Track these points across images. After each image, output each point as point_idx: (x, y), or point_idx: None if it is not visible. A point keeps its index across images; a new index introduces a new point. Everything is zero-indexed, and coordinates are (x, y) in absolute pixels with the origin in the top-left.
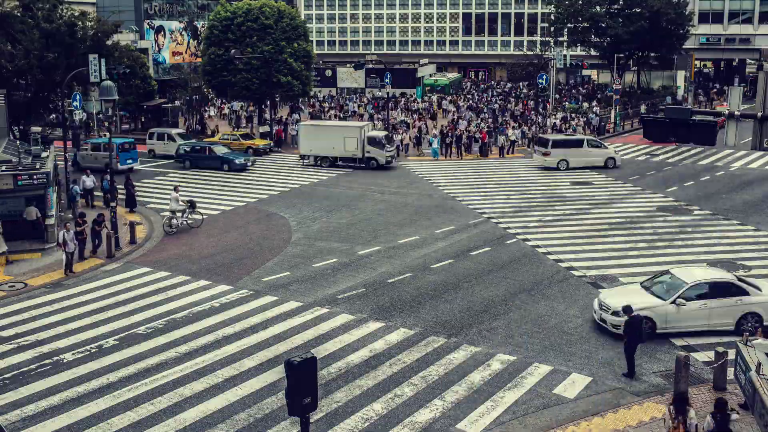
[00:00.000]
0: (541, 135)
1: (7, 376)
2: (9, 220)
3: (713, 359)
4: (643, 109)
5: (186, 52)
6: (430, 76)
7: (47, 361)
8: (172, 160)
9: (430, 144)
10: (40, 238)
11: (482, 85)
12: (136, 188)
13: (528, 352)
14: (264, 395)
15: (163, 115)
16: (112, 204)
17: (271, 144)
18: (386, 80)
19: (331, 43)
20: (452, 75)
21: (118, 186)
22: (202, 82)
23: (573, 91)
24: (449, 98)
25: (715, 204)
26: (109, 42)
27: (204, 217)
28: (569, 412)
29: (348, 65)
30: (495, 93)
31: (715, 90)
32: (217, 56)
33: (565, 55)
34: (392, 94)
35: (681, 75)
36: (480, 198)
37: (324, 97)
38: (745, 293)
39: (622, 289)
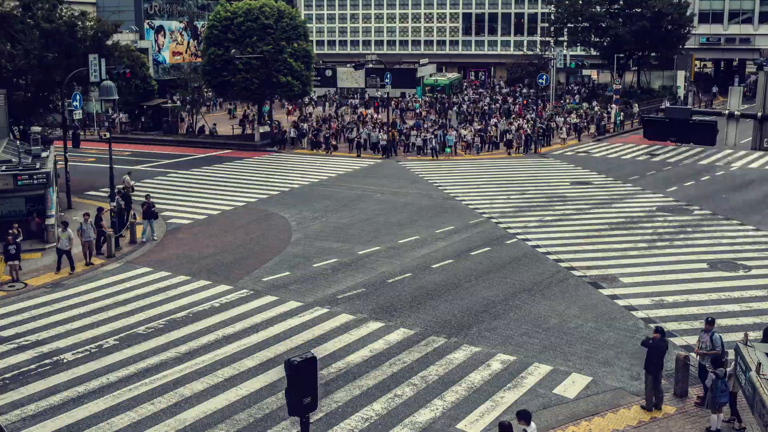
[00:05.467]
0: None
1: (7, 376)
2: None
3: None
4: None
5: (186, 52)
6: (430, 76)
7: (47, 361)
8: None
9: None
10: (41, 238)
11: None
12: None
13: (528, 352)
14: (264, 395)
15: (163, 115)
16: (112, 204)
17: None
18: (386, 80)
19: (331, 43)
20: (452, 75)
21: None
22: (201, 82)
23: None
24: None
25: (715, 204)
26: (109, 42)
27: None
28: (569, 412)
29: (348, 65)
30: (495, 93)
31: (698, 91)
32: (217, 56)
33: (565, 55)
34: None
35: (681, 75)
36: (480, 198)
37: (326, 94)
38: None
39: None
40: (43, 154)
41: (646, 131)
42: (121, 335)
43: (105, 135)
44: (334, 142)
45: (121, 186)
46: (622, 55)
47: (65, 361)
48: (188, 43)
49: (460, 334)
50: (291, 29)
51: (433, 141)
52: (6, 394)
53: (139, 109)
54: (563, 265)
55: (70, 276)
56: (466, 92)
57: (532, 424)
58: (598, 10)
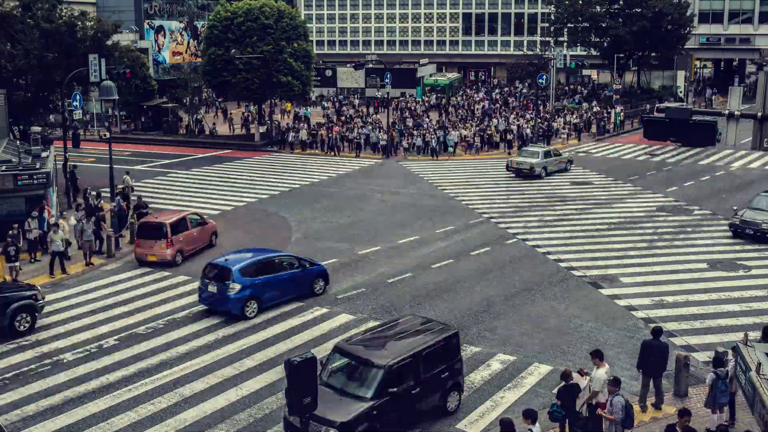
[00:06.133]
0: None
1: (7, 376)
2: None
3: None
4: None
5: (186, 52)
6: (430, 76)
7: (47, 361)
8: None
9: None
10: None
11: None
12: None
13: (528, 352)
14: (264, 395)
15: (163, 115)
16: (113, 204)
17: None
18: (386, 80)
19: (331, 43)
20: (452, 75)
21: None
22: (201, 82)
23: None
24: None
25: (715, 204)
26: (109, 42)
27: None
28: None
29: (348, 65)
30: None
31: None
32: (217, 56)
33: (565, 55)
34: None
35: (681, 75)
36: (480, 198)
37: (326, 95)
38: None
39: None
40: (43, 154)
41: (646, 131)
42: (121, 335)
43: (105, 135)
44: (333, 152)
45: (121, 186)
46: (622, 55)
47: (65, 361)
48: (188, 43)
49: (460, 334)
50: (291, 29)
51: (434, 141)
52: (6, 394)
53: (139, 109)
54: (563, 265)
55: (69, 276)
56: (473, 92)
57: (537, 424)
58: (598, 10)
